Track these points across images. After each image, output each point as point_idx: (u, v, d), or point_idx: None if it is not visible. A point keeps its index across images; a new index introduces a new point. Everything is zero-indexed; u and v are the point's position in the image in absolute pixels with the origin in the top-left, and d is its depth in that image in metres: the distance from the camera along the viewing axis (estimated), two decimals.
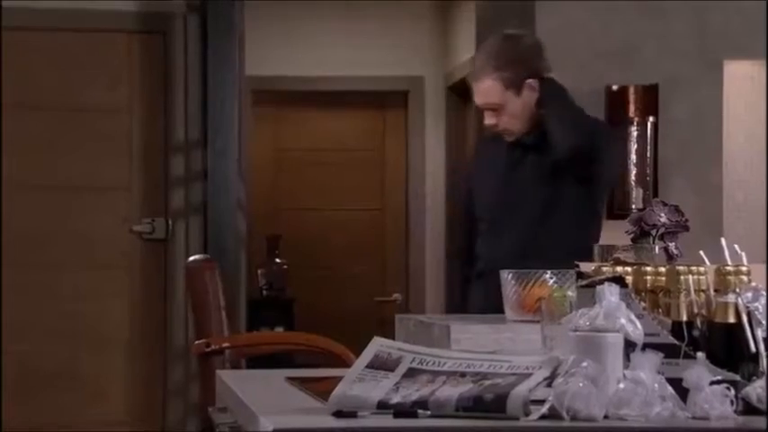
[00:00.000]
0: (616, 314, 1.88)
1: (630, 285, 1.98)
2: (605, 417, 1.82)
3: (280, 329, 6.83)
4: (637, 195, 5.19)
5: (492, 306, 3.86)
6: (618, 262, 2.15)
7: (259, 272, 7.46)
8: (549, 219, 3.86)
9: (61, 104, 5.61)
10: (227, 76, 5.50)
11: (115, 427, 5.59)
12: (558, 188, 3.86)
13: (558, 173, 3.84)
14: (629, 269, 2.03)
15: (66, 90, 5.61)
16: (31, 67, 5.59)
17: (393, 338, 2.31)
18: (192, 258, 3.74)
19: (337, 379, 2.01)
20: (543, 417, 1.80)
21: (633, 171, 5.20)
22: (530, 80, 3.91)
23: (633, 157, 5.20)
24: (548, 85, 3.91)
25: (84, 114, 5.62)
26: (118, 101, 5.65)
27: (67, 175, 5.61)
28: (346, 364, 3.25)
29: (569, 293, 2.53)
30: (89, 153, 5.63)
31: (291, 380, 2.40)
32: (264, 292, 7.48)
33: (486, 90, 3.93)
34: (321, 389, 2.19)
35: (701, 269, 1.97)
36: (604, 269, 2.03)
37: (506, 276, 2.91)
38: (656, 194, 5.14)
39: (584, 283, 2.00)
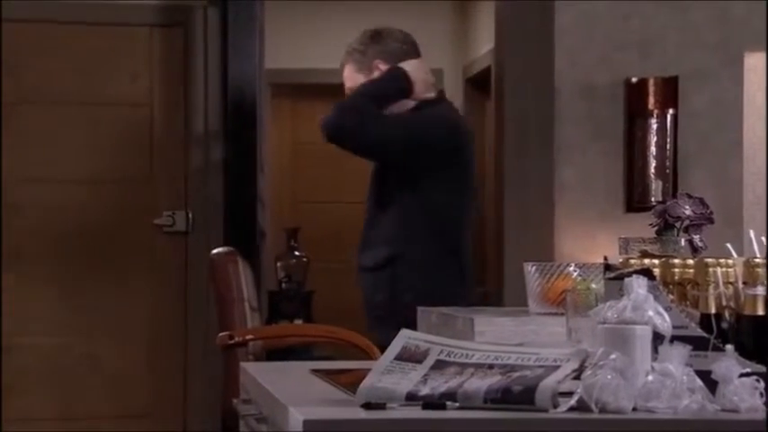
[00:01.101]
0: (644, 306, 1.88)
1: (658, 278, 1.98)
2: (634, 409, 1.82)
3: (299, 322, 6.84)
4: (656, 188, 5.18)
5: (363, 296, 3.88)
6: (645, 254, 2.15)
7: (278, 264, 7.46)
8: (381, 210, 3.79)
9: (81, 98, 5.62)
10: (246, 68, 5.50)
11: (136, 420, 5.60)
12: (387, 180, 3.77)
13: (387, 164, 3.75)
14: (656, 261, 2.03)
15: (85, 83, 5.62)
16: (50, 60, 5.60)
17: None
18: (215, 251, 3.74)
19: (361, 371, 2.01)
20: (572, 409, 1.80)
21: (653, 164, 5.19)
22: (377, 60, 3.84)
23: (653, 149, 5.19)
24: (389, 70, 3.80)
25: (104, 107, 5.63)
26: (138, 94, 5.65)
27: (87, 169, 5.62)
28: (369, 356, 3.26)
29: (593, 286, 2.54)
30: (109, 146, 5.64)
31: (316, 372, 2.41)
32: (283, 285, 7.49)
33: (344, 76, 3.89)
34: (346, 381, 2.19)
35: (730, 261, 1.97)
36: (632, 261, 2.03)
37: (530, 269, 2.91)
38: (675, 187, 5.12)
39: (611, 275, 2.00)
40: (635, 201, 5.16)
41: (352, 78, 3.84)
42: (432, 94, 3.83)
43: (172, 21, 5.64)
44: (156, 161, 5.66)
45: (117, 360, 5.59)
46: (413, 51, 3.88)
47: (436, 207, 3.67)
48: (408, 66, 3.80)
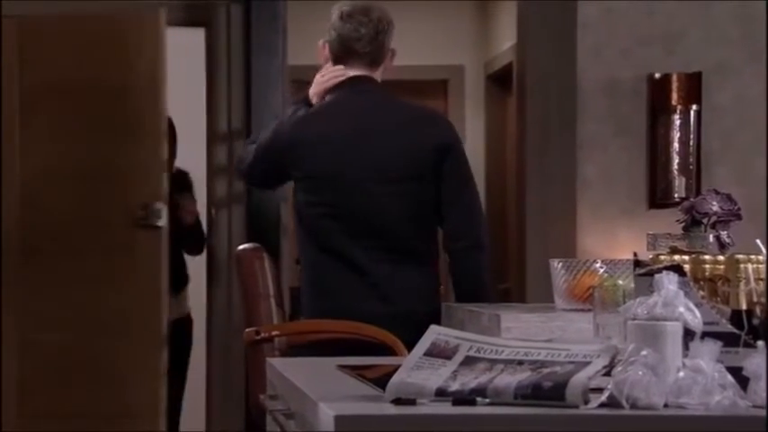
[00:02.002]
0: (675, 303, 1.87)
1: (689, 274, 1.98)
2: (665, 405, 1.82)
3: None
4: (680, 184, 5.16)
5: None
6: (675, 250, 2.15)
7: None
8: None
9: (101, 94, 5.63)
10: (270, 65, 5.51)
11: (151, 417, 5.58)
12: None
13: None
14: (686, 258, 2.03)
15: (107, 79, 5.63)
16: (70, 56, 5.61)
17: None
18: (241, 247, 3.76)
19: (387, 366, 2.01)
20: (602, 405, 1.80)
21: (676, 160, 5.18)
22: (320, 41, 4.05)
23: (676, 145, 5.18)
24: (295, 100, 4.03)
25: (127, 102, 5.64)
26: (158, 90, 5.66)
27: (107, 163, 5.62)
28: (394, 352, 3.27)
29: (620, 282, 2.53)
30: (130, 141, 5.64)
31: (343, 367, 2.41)
32: None
33: None
34: (372, 376, 2.20)
35: (761, 258, 1.96)
36: (662, 257, 2.03)
37: (556, 265, 2.91)
38: (698, 184, 5.11)
39: (642, 271, 2.00)
40: (658, 197, 5.14)
41: None
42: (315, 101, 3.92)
43: (195, 19, 5.65)
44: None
45: (133, 357, 5.57)
46: (341, 26, 3.99)
47: (299, 206, 3.75)
48: (313, 85, 3.92)
